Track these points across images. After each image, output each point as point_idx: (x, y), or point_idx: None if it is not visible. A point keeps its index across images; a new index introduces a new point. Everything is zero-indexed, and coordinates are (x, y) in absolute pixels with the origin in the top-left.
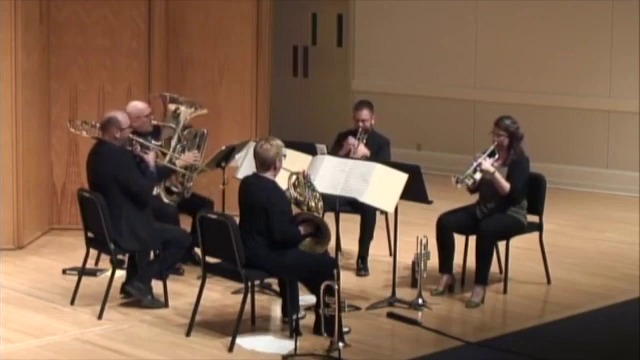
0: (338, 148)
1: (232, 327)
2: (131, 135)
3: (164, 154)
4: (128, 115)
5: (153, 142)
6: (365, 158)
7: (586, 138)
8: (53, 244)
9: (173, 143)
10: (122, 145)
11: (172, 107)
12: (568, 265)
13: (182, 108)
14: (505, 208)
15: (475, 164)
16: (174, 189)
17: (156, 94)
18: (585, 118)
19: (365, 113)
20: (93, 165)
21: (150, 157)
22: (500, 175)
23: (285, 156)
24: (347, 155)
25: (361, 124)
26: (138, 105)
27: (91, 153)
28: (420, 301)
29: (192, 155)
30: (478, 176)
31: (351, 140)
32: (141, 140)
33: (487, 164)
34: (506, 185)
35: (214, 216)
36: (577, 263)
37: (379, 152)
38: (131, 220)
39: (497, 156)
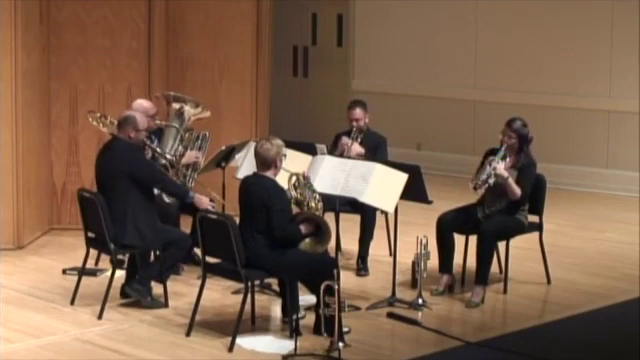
0: (335, 149)
1: (232, 327)
2: (146, 140)
3: (172, 166)
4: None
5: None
6: (360, 156)
7: (586, 138)
8: (53, 244)
9: (175, 144)
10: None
11: (176, 106)
12: (568, 265)
13: (186, 107)
14: (513, 211)
15: (490, 168)
16: None
17: (158, 94)
18: (585, 118)
19: (358, 112)
20: (103, 160)
21: (204, 201)
22: (512, 180)
23: (285, 156)
24: (341, 155)
25: (355, 123)
26: (144, 104)
27: (102, 149)
28: (420, 301)
29: (194, 154)
30: (492, 180)
31: (344, 140)
32: (154, 147)
33: (502, 169)
34: (517, 190)
35: (214, 216)
36: (577, 263)
37: (376, 151)
38: (136, 217)
39: (508, 159)
